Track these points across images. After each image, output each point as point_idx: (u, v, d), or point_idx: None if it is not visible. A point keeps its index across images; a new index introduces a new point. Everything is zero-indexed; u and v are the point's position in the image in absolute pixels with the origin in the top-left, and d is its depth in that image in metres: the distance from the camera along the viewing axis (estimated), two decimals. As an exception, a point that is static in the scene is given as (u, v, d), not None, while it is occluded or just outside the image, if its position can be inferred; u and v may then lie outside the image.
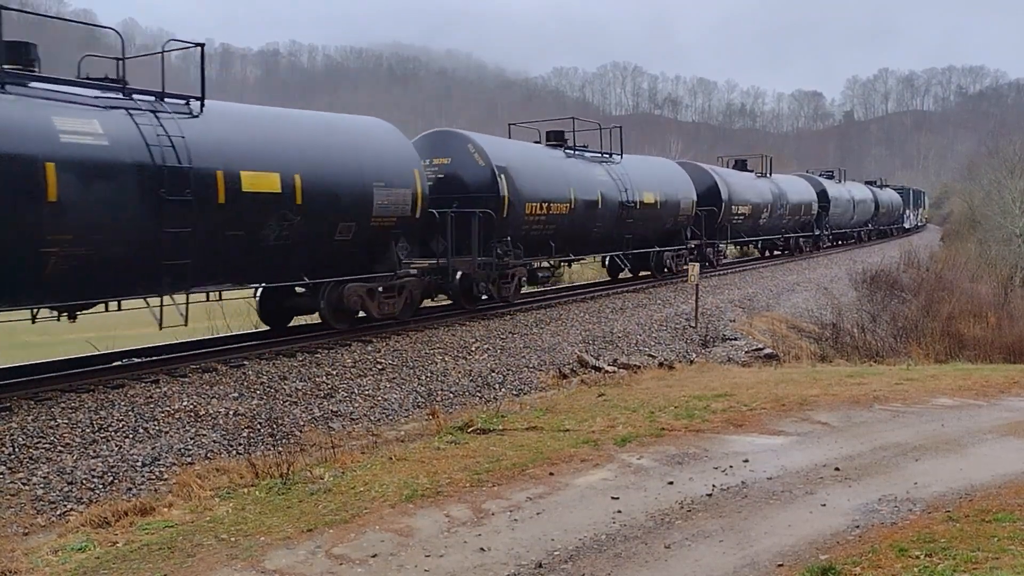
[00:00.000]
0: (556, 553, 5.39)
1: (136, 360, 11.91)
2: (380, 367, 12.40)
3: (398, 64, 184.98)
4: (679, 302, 20.24)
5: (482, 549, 5.50)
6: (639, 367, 13.72)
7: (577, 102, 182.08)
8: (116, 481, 8.12)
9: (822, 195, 38.56)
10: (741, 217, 28.98)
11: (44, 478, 7.88)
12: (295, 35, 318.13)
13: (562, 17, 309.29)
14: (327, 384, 11.41)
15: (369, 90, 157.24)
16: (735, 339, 17.91)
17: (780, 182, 33.76)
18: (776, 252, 35.92)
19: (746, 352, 16.81)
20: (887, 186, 60.22)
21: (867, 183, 54.39)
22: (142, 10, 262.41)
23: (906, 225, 63.98)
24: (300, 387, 11.11)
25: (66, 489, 7.79)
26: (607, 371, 13.39)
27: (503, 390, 12.56)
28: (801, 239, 36.43)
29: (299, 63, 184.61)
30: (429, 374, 12.58)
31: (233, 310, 14.42)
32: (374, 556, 5.43)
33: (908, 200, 65.28)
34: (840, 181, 45.11)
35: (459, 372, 12.93)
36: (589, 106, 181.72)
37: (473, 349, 13.98)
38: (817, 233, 38.43)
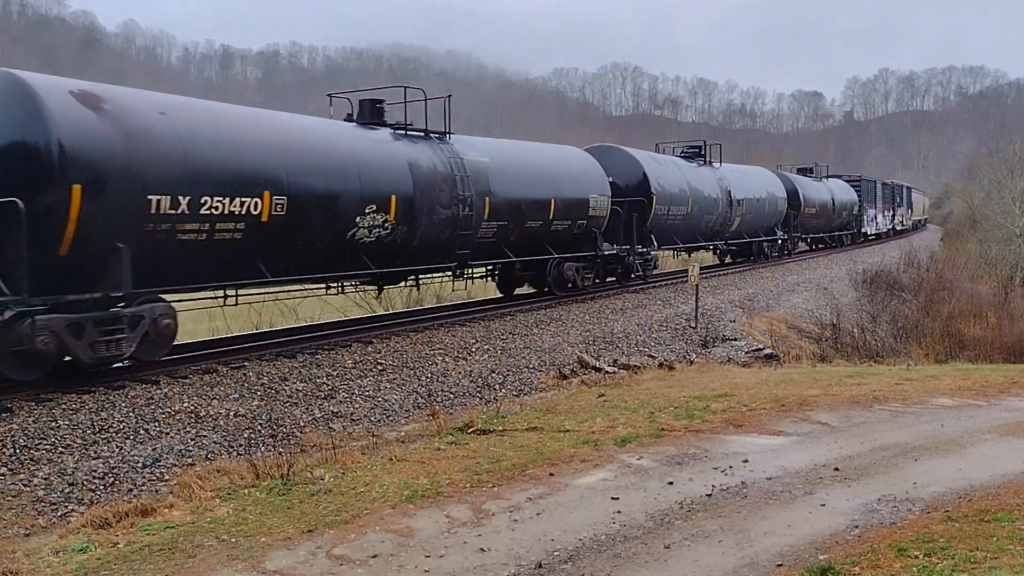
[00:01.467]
0: (556, 553, 5.41)
1: (137, 361, 11.89)
2: (380, 368, 12.41)
3: (398, 65, 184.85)
4: (679, 303, 20.25)
5: (482, 549, 5.51)
6: (639, 367, 13.72)
7: (577, 103, 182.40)
8: (117, 482, 8.14)
9: (637, 187, 21.31)
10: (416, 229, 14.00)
11: (45, 479, 7.89)
12: (295, 36, 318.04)
13: (562, 17, 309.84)
14: (327, 385, 11.43)
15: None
16: (735, 339, 17.92)
17: (508, 153, 17.41)
18: (531, 291, 19.59)
19: (746, 352, 16.82)
20: (836, 177, 45.28)
21: (799, 171, 40.14)
22: (142, 10, 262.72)
23: (868, 230, 46.89)
24: (300, 388, 11.13)
25: (67, 490, 7.80)
26: (607, 372, 13.40)
27: (503, 391, 12.58)
28: (571, 266, 18.74)
29: (299, 64, 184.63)
30: (429, 375, 12.59)
31: (233, 311, 14.39)
32: (374, 557, 5.44)
33: (872, 197, 47.91)
34: (710, 163, 27.21)
35: (459, 373, 12.95)
36: (589, 106, 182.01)
37: (473, 350, 13.99)
38: (603, 254, 19.58)
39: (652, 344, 16.65)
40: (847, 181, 45.14)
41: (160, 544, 5.87)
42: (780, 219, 32.37)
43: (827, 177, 42.96)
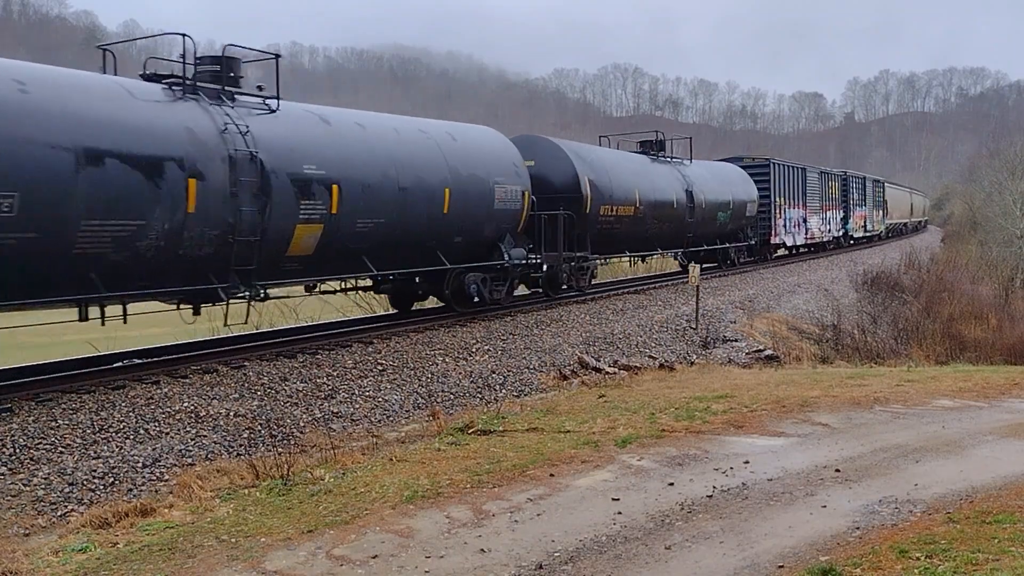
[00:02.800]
0: (556, 554, 5.40)
1: (137, 361, 11.92)
2: (380, 368, 12.40)
3: (399, 65, 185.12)
4: (680, 303, 20.24)
5: (482, 550, 5.50)
6: (639, 368, 13.72)
7: (578, 103, 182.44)
8: (117, 482, 8.12)
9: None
10: None
11: (45, 479, 7.88)
12: (296, 36, 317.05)
13: (563, 18, 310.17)
14: (328, 385, 11.42)
15: (370, 91, 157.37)
16: (735, 340, 17.91)
17: None
18: None
19: (746, 353, 16.80)
20: (733, 160, 31.05)
21: (642, 145, 24.66)
22: (142, 11, 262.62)
23: (788, 241, 31.96)
24: (301, 388, 11.12)
25: (67, 490, 7.79)
26: (607, 372, 13.39)
27: (504, 391, 12.56)
28: None
29: (300, 64, 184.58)
30: (430, 375, 12.58)
31: (233, 311, 14.36)
32: (375, 557, 5.43)
33: (794, 191, 32.21)
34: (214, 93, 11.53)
35: (460, 373, 12.94)
36: (590, 107, 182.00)
37: (474, 350, 13.98)
38: None
39: (652, 345, 16.64)
40: (746, 166, 29.94)
41: (160, 544, 5.86)
42: (512, 227, 16.48)
43: (721, 160, 30.48)
